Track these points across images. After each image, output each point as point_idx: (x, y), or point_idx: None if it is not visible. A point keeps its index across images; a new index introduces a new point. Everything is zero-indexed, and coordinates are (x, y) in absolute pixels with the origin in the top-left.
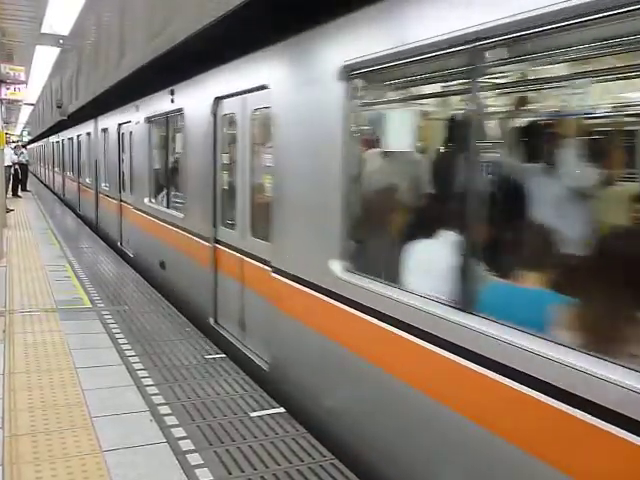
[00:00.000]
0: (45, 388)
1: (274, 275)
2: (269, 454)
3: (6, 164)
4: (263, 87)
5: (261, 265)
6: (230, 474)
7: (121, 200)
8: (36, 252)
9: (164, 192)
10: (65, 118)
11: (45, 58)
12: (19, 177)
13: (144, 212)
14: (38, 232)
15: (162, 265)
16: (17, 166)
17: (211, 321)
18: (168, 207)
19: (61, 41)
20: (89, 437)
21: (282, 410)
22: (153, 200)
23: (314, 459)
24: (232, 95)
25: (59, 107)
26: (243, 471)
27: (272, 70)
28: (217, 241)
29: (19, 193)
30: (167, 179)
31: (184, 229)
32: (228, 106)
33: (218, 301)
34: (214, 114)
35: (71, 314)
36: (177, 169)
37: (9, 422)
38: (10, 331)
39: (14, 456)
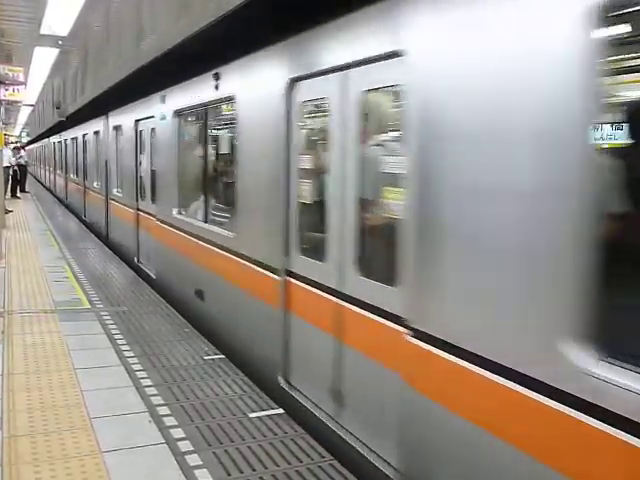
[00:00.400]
0: (44, 389)
1: (415, 342)
2: (268, 455)
3: (5, 165)
4: (391, 55)
5: (379, 319)
6: (229, 475)
7: (138, 209)
8: (35, 253)
9: (200, 202)
10: (64, 119)
11: (44, 59)
12: (18, 178)
13: (171, 226)
14: (37, 233)
15: (199, 294)
16: (16, 167)
17: (280, 380)
18: (206, 222)
19: (60, 42)
20: (88, 438)
21: (281, 411)
22: (184, 212)
23: (313, 460)
24: (321, 73)
25: (58, 108)
26: (242, 472)
27: (416, 28)
28: (290, 273)
29: (18, 194)
30: (205, 186)
31: (235, 253)
32: (312, 88)
33: (291, 354)
34: (287, 101)
35: (70, 315)
36: (222, 174)
37: (8, 423)
38: (9, 332)
39: (13, 457)
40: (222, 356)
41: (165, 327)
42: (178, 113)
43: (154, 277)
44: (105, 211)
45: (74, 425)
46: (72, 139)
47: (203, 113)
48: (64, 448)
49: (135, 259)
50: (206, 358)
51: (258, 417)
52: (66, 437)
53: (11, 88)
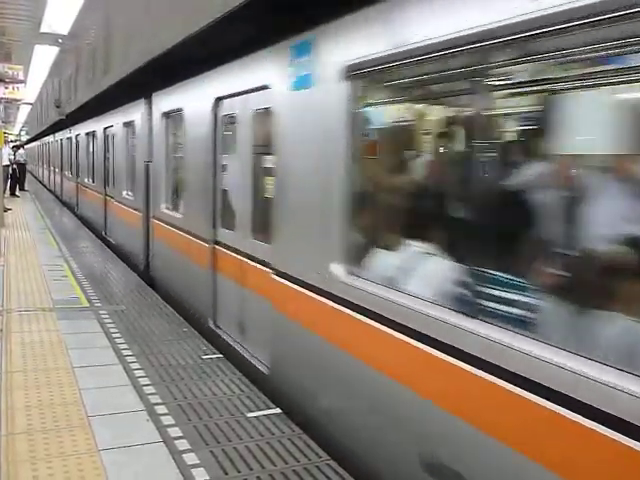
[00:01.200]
0: (42, 387)
1: None
2: (265, 454)
3: (4, 164)
4: None
5: None
6: (226, 474)
7: (217, 242)
8: (34, 252)
9: (422, 257)
10: (64, 117)
11: (44, 57)
12: (17, 176)
13: (329, 296)
14: (36, 232)
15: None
16: (15, 165)
17: None
18: (473, 316)
19: (60, 40)
20: (86, 436)
21: (278, 411)
22: (359, 271)
23: (310, 459)
24: None
25: (58, 107)
26: (239, 471)
27: None
28: None
29: (17, 193)
30: (458, 228)
31: None
32: None
33: None
34: None
35: (68, 313)
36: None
37: (6, 421)
38: (7, 330)
39: (11, 455)
40: (220, 355)
41: (163, 326)
42: (354, 71)
43: (266, 372)
44: (144, 235)
45: (72, 423)
46: (86, 134)
47: (476, 61)
48: (62, 446)
49: (210, 321)
50: (204, 357)
51: (255, 417)
52: (64, 435)
53: (11, 86)
